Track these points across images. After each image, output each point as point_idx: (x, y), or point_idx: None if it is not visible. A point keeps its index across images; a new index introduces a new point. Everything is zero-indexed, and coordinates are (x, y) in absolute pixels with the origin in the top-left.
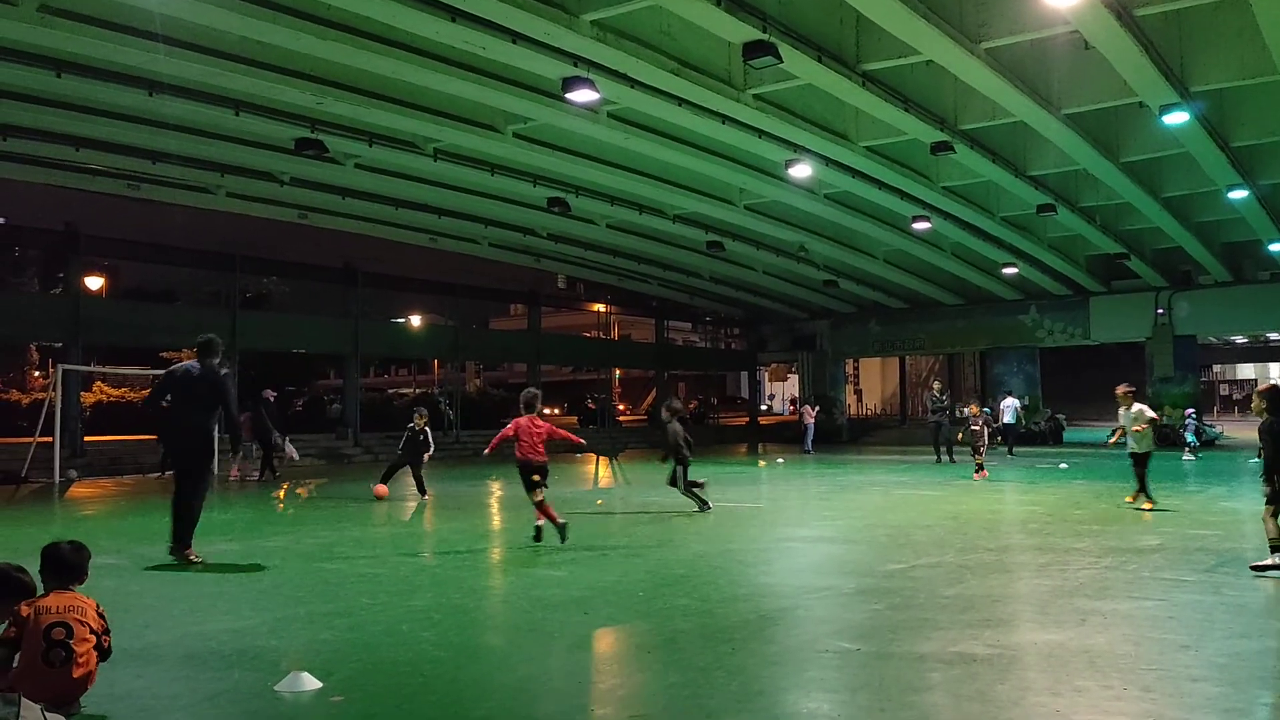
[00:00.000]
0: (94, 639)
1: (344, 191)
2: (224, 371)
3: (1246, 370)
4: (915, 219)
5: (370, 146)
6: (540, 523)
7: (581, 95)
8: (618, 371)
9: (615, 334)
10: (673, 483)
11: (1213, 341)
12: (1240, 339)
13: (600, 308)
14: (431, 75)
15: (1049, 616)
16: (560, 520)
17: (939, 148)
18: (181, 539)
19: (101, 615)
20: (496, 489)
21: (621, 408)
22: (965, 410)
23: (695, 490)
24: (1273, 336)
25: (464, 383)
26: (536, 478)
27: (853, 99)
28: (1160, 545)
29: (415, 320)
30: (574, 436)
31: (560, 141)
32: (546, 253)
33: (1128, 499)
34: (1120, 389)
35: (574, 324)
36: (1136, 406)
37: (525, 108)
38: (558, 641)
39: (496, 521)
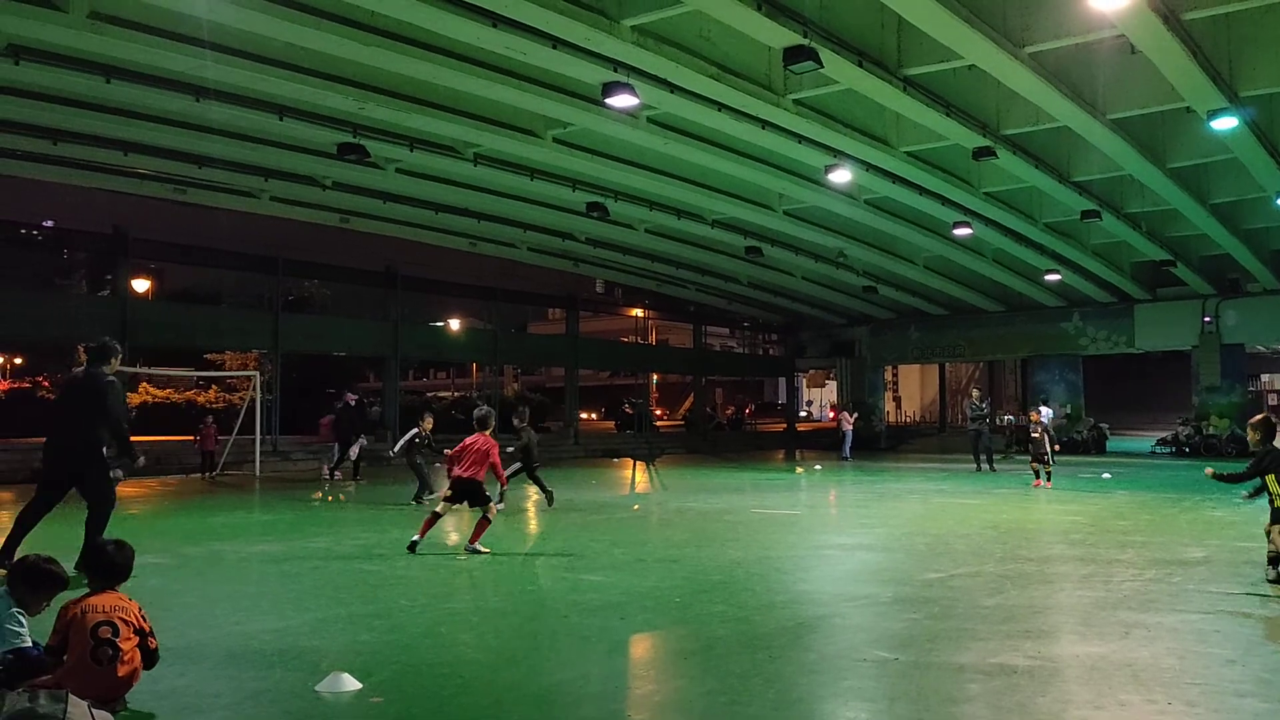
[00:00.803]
0: (138, 638)
1: (385, 196)
2: (109, 379)
3: None
4: (956, 225)
5: (411, 151)
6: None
7: (621, 100)
8: (655, 376)
9: (653, 339)
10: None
11: (1261, 350)
12: None
13: (638, 312)
14: (472, 80)
15: (1091, 629)
16: (417, 539)
17: (981, 153)
18: (7, 550)
19: (143, 617)
20: (533, 494)
21: (659, 413)
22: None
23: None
24: None
25: (502, 386)
26: (453, 494)
27: (894, 104)
28: (1206, 558)
29: (454, 324)
30: (502, 474)
31: (599, 146)
32: (585, 257)
33: None
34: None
35: (612, 329)
36: None
37: (565, 113)
38: (595, 646)
39: (533, 526)
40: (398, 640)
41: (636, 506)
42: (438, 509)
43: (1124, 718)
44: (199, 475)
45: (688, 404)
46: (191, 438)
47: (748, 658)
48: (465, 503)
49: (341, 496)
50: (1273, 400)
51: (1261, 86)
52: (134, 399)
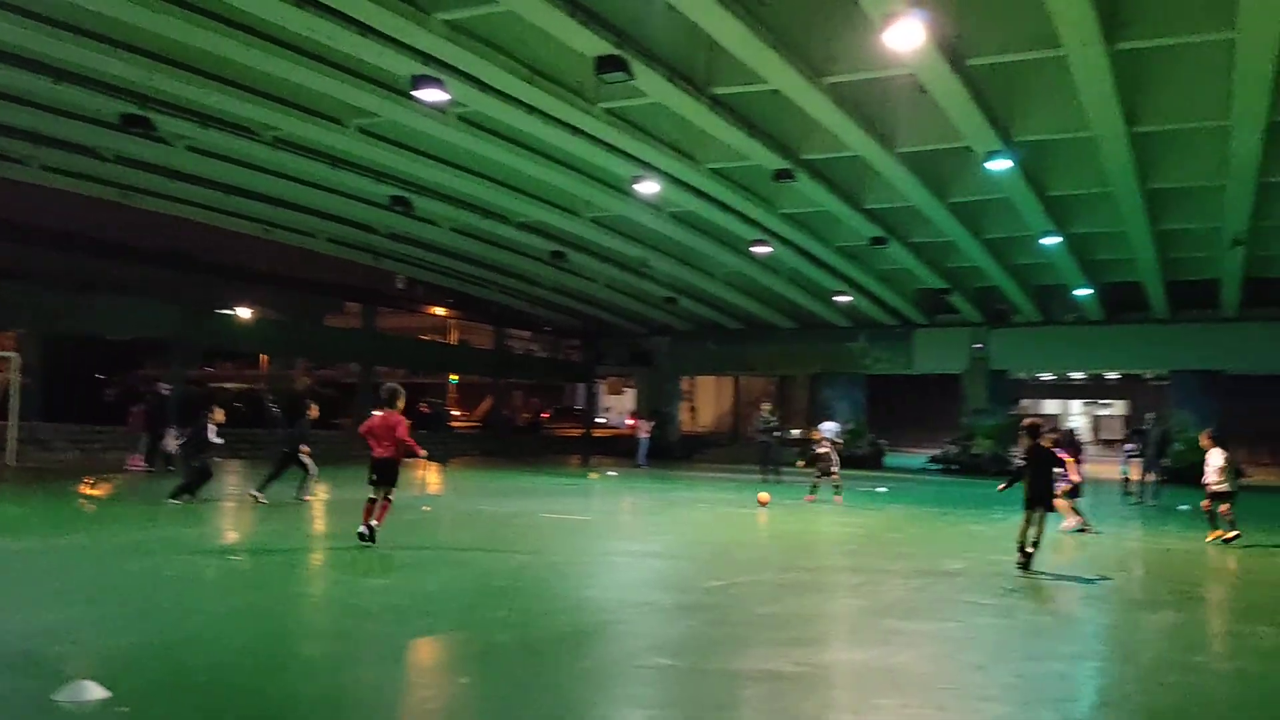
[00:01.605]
0: None
1: (173, 174)
2: None
3: (1052, 406)
4: (755, 242)
5: (204, 129)
6: (373, 524)
7: (431, 95)
8: (454, 376)
9: (454, 339)
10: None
11: (1024, 377)
12: (1048, 376)
13: (440, 311)
14: (275, 61)
15: (857, 636)
16: (372, 524)
17: (781, 175)
18: None
19: None
20: (320, 492)
21: (457, 413)
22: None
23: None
24: (1075, 375)
25: (293, 379)
26: (374, 477)
27: (701, 121)
28: (964, 569)
29: (245, 312)
30: (418, 447)
31: (406, 139)
32: (386, 251)
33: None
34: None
35: (412, 326)
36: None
37: (372, 102)
38: (371, 651)
39: (319, 525)
40: (156, 645)
41: (427, 508)
42: (370, 494)
43: None
44: None
45: (486, 406)
46: None
47: (527, 664)
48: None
49: (97, 489)
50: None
51: (1034, 133)
52: None
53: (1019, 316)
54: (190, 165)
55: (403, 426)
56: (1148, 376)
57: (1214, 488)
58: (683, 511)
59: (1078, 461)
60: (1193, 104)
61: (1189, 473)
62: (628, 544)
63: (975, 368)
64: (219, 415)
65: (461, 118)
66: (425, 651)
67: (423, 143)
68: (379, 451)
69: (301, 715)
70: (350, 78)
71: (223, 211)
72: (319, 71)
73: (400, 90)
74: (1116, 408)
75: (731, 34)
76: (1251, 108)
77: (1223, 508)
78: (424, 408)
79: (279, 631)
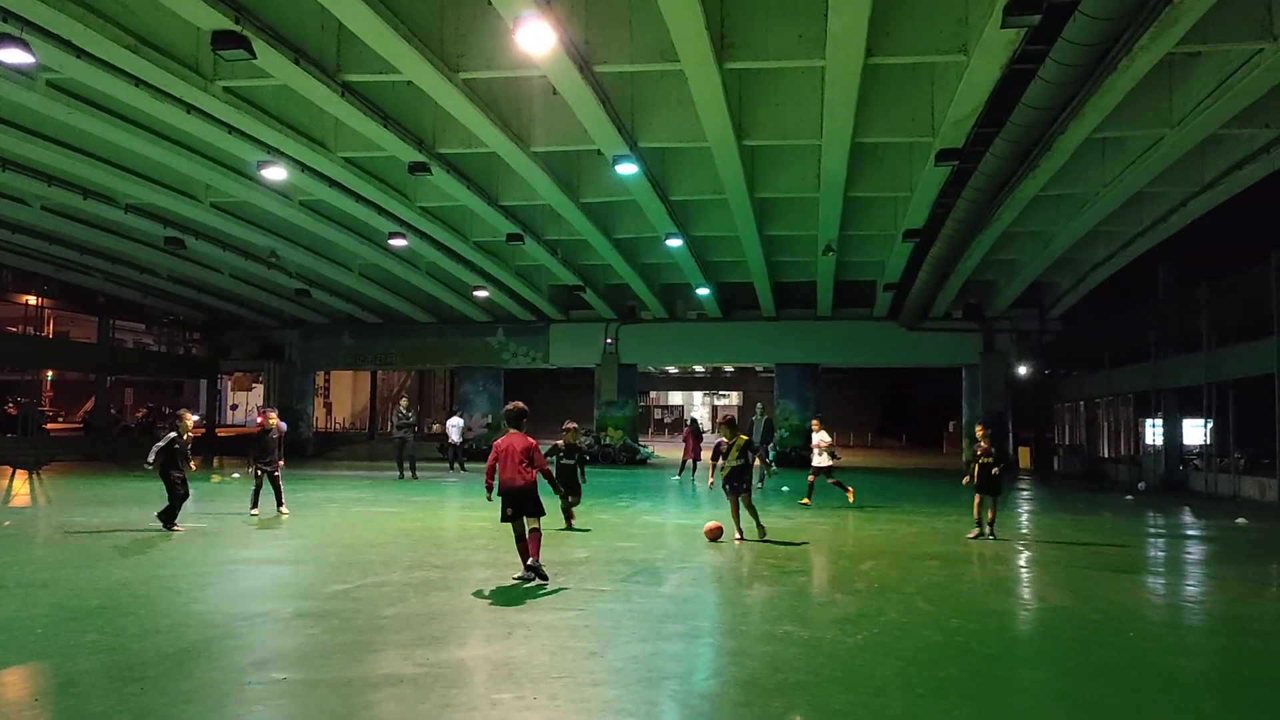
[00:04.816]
0: None
1: None
2: None
3: (676, 397)
4: (392, 235)
5: None
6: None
7: (11, 55)
8: (50, 373)
9: (50, 330)
10: None
11: (651, 370)
12: (673, 369)
13: (31, 300)
14: None
15: (480, 631)
16: (534, 563)
17: (416, 168)
18: None
19: None
20: None
21: (52, 413)
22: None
23: None
24: (698, 368)
25: None
26: (510, 510)
27: (332, 108)
28: (588, 557)
29: None
30: (548, 470)
31: None
32: None
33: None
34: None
35: None
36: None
37: None
38: None
39: None
40: None
41: (8, 523)
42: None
43: (494, 716)
44: None
45: (89, 405)
46: None
47: (116, 692)
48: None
49: None
50: (658, 415)
51: (657, 140)
52: None
53: (647, 313)
54: None
55: (537, 450)
56: (759, 369)
57: (818, 462)
58: (311, 513)
59: (698, 448)
60: (792, 123)
61: (793, 457)
62: (248, 551)
63: (608, 361)
64: (189, 421)
65: (53, 84)
66: None
67: (3, 109)
68: (518, 480)
69: None
70: None
71: None
72: None
73: None
74: (733, 397)
75: (359, 19)
76: (838, 130)
77: (831, 480)
78: (11, 409)
79: None
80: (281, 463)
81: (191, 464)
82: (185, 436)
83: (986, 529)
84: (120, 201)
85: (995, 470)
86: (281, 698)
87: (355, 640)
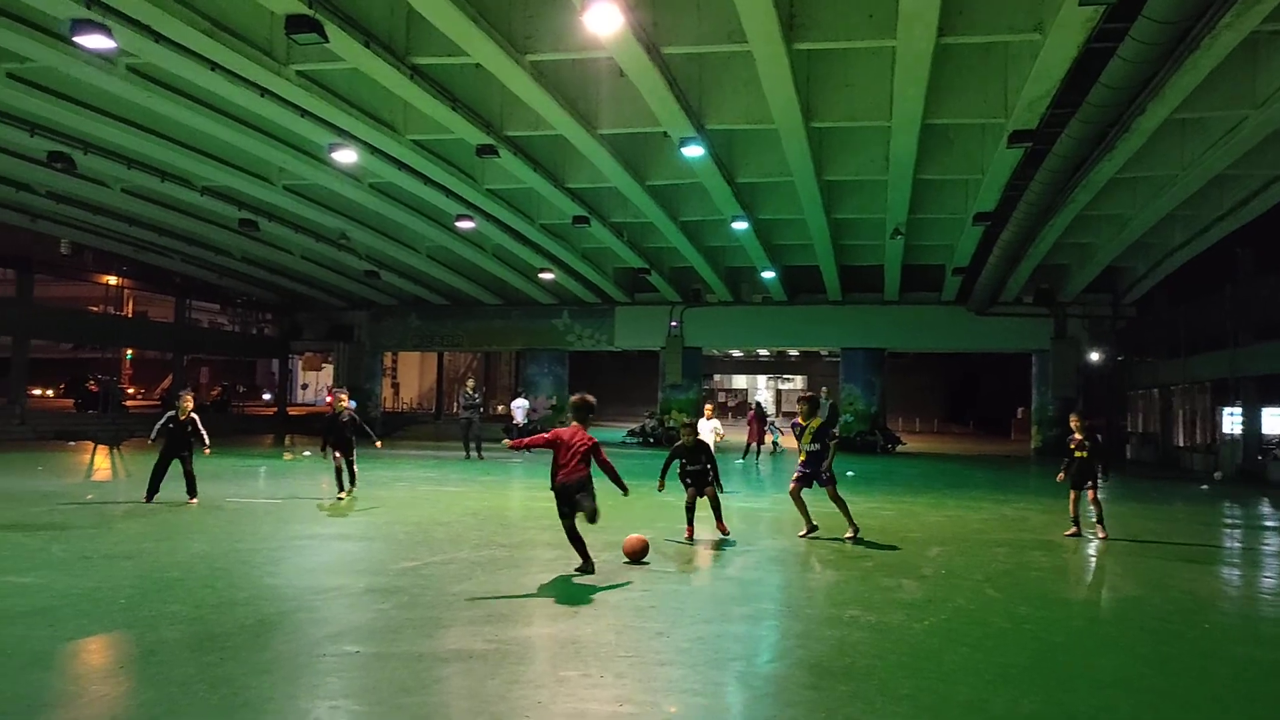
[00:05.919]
0: None
1: None
2: None
3: (740, 381)
4: (459, 217)
5: None
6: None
7: (94, 41)
8: (130, 351)
9: (129, 310)
10: None
11: (715, 354)
12: (737, 353)
13: (112, 280)
14: None
15: (547, 610)
16: (588, 560)
17: (484, 150)
18: None
19: None
20: None
21: (132, 391)
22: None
23: None
24: (762, 352)
25: None
26: (565, 508)
27: (401, 91)
28: (652, 539)
29: None
30: (615, 471)
31: (66, 89)
32: (45, 213)
33: None
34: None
35: (79, 295)
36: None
37: (24, 45)
38: (10, 660)
39: None
40: None
41: (90, 496)
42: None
43: (561, 693)
44: None
45: (166, 383)
46: None
47: (195, 661)
48: None
49: None
50: (721, 398)
51: (724, 122)
52: None
53: (711, 296)
54: None
55: (600, 450)
56: (824, 353)
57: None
58: (380, 491)
59: (762, 431)
60: (861, 104)
61: (858, 442)
62: (319, 527)
63: (672, 344)
64: (188, 402)
65: (132, 69)
66: (78, 656)
67: (86, 93)
68: (574, 477)
69: None
70: None
71: None
72: None
73: (58, 34)
74: (797, 381)
75: (429, 2)
76: (908, 111)
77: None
78: (92, 385)
79: None
80: (364, 448)
81: (205, 448)
82: (183, 417)
83: (1098, 528)
84: (196, 184)
85: (1098, 465)
86: (355, 670)
87: (425, 616)
